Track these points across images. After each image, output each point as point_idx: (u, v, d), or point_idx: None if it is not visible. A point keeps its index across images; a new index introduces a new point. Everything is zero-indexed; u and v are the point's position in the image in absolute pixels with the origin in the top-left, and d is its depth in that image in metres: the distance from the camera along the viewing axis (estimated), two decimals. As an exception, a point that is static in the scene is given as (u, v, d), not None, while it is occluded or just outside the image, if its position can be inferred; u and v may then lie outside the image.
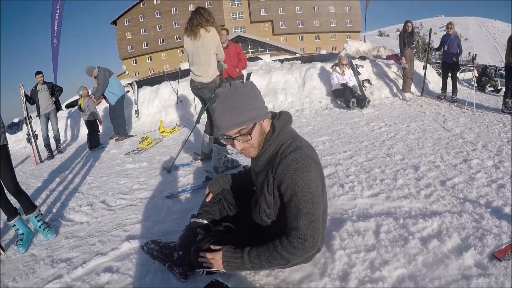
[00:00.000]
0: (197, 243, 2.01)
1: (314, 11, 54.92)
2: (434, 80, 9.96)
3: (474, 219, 2.63)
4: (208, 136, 4.60)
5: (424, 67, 9.36)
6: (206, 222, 2.22)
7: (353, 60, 9.12)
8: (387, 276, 1.99)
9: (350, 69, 8.29)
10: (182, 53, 54.27)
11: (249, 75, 6.24)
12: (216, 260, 1.73)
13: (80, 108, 8.52)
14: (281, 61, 13.78)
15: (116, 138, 8.50)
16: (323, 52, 31.99)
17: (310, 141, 4.23)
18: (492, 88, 11.55)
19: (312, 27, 55.28)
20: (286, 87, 9.00)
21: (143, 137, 7.08)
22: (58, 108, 9.27)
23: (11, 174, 3.19)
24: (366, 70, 9.35)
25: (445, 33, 8.79)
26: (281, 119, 1.80)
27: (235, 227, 2.19)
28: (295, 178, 1.60)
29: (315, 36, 55.75)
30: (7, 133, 3.22)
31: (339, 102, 7.86)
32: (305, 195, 1.60)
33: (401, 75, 8.94)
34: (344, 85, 7.78)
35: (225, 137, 1.70)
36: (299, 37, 55.25)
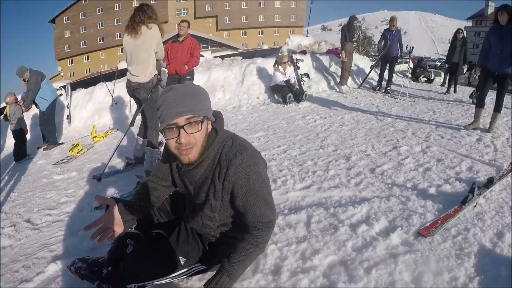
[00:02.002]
0: (128, 255, 1.97)
1: (260, 6, 55.24)
2: (371, 72, 10.45)
3: (401, 202, 2.87)
4: (142, 139, 4.49)
5: (375, 65, 9.87)
6: (135, 231, 2.13)
7: (293, 55, 9.33)
8: (318, 265, 2.10)
9: (292, 66, 8.46)
10: (122, 51, 52.39)
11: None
12: None
13: (6, 117, 7.97)
14: (222, 57, 13.81)
15: (44, 147, 7.97)
16: (265, 47, 32.57)
17: (245, 138, 4.30)
18: (425, 79, 12.75)
19: (256, 22, 55.50)
20: (225, 84, 9.02)
21: (73, 144, 6.73)
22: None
23: None
24: (306, 64, 9.62)
25: (387, 27, 9.32)
26: (219, 121, 1.80)
27: (166, 234, 2.13)
28: (248, 175, 1.68)
29: (259, 31, 56.09)
30: None
31: (276, 97, 8.03)
32: (259, 185, 1.71)
33: (340, 68, 9.30)
34: (288, 82, 7.94)
35: (169, 127, 1.62)
36: (243, 32, 55.25)
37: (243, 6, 54.33)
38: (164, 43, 4.53)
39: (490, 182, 3.13)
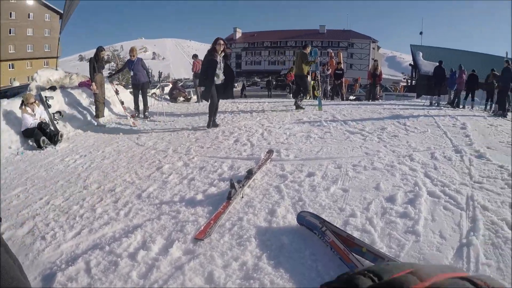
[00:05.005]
0: None
1: (10, 33, 46.49)
2: (127, 100, 10.63)
3: (172, 217, 3.19)
4: None
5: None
6: None
7: (42, 92, 8.55)
8: (108, 307, 2.16)
9: (41, 105, 7.78)
10: None
11: None
12: None
13: None
14: (-42, 103, 11.42)
15: None
16: (17, 84, 28.40)
17: (2, 198, 3.80)
18: (183, 99, 14.99)
19: (6, 53, 46.60)
20: (-33, 137, 7.53)
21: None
22: None
23: None
24: (58, 101, 8.91)
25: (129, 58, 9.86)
26: None
27: None
28: None
29: (9, 64, 47.61)
30: None
31: (31, 143, 7.30)
32: None
33: (94, 101, 9.12)
34: (40, 124, 7.27)
35: None
36: (-10, 67, 45.75)
37: (-10, 34, 45.04)
38: None
39: (250, 173, 3.80)
